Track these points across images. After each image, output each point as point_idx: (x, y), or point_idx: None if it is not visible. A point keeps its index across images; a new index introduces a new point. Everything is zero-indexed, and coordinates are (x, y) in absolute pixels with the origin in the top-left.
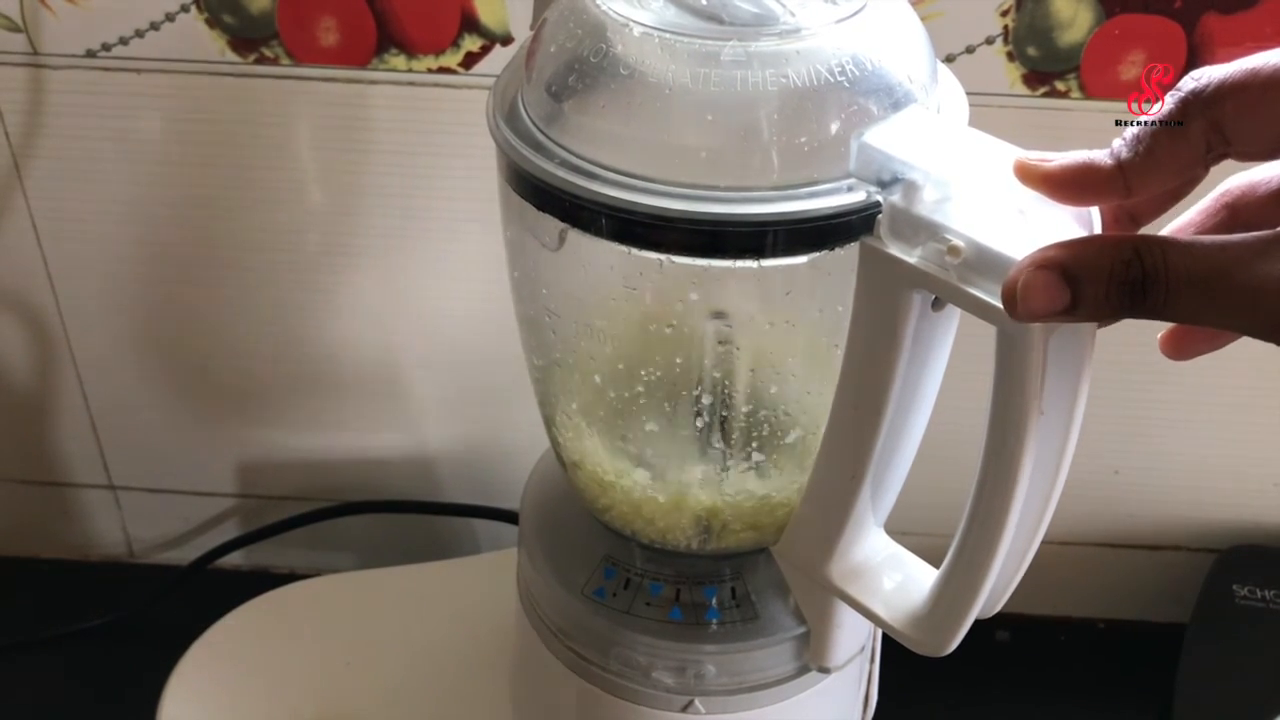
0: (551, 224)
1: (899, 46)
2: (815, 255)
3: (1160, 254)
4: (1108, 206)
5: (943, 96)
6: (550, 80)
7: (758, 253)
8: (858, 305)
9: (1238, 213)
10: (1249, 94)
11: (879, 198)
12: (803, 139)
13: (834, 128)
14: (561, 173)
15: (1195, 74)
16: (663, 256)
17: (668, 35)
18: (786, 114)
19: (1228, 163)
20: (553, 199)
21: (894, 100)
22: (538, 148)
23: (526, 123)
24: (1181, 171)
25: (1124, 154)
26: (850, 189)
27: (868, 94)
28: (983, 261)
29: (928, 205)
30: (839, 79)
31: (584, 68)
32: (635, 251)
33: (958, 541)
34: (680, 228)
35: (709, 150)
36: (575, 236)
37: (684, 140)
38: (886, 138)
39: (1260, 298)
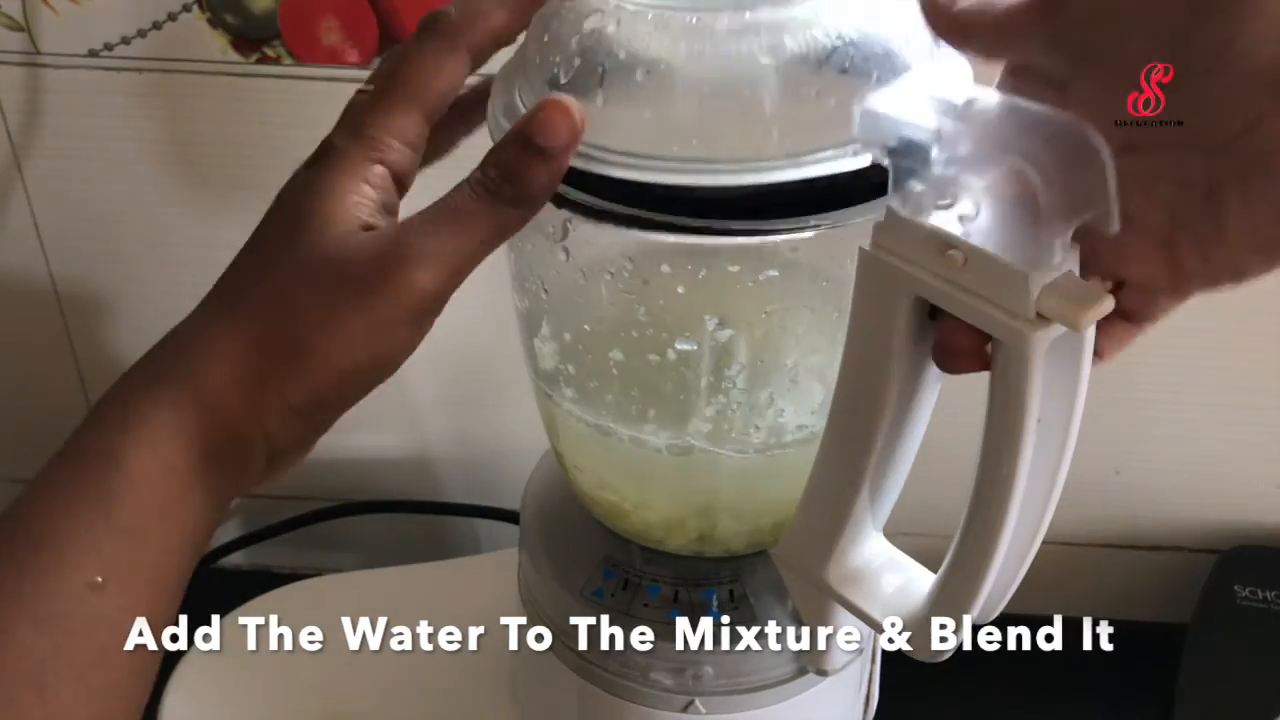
0: (554, 212)
1: (897, 13)
2: (816, 257)
3: None
4: None
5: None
6: (547, 70)
7: (761, 214)
8: (855, 312)
9: None
10: None
11: (885, 162)
12: (804, 108)
13: (833, 99)
14: None
15: None
16: (664, 261)
17: (661, 11)
18: (786, 83)
19: None
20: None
21: (894, 67)
22: None
23: None
24: None
25: None
26: (855, 154)
27: (868, 60)
28: (982, 270)
29: (929, 210)
30: (838, 45)
31: (578, 53)
32: (636, 253)
33: (954, 547)
34: (683, 198)
35: (709, 124)
36: (577, 231)
37: (683, 115)
38: (890, 102)
39: None
